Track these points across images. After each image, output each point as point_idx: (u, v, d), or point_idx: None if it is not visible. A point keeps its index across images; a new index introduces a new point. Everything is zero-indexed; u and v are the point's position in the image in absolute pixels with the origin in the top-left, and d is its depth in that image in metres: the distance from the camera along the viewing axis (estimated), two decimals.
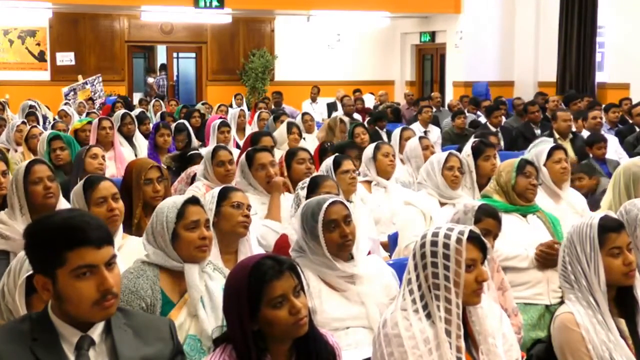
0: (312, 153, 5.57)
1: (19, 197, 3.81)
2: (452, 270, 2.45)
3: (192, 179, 5.23)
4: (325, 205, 3.11)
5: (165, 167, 6.09)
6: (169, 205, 2.92)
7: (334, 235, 3.10)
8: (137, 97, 16.66)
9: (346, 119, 9.43)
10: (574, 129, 9.05)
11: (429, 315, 2.48)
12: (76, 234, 2.02)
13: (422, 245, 2.51)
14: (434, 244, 2.49)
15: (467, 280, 2.48)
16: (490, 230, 3.42)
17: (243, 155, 4.62)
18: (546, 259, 3.93)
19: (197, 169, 5.19)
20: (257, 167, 4.51)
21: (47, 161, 4.66)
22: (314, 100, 14.74)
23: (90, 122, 8.10)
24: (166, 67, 18.66)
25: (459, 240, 2.47)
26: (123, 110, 8.49)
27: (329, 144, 6.56)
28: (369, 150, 5.40)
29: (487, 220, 3.42)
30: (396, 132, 6.86)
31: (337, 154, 4.89)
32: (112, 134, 6.87)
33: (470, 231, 2.52)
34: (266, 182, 4.47)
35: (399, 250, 4.41)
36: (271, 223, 4.27)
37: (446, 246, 2.47)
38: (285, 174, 4.93)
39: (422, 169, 4.84)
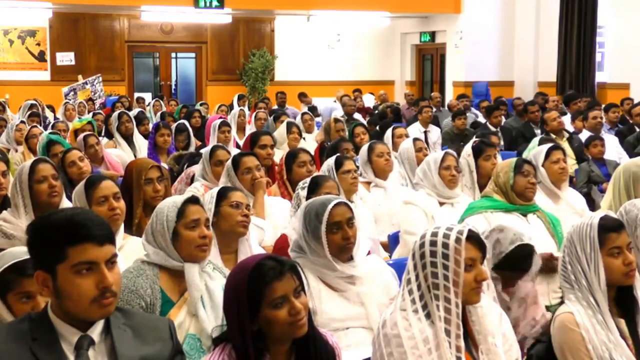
0: (312, 153, 5.55)
1: (23, 196, 3.81)
2: (452, 270, 2.45)
3: (192, 179, 5.23)
4: (330, 207, 3.07)
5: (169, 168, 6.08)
6: (169, 204, 2.92)
7: (336, 237, 3.07)
8: (136, 97, 16.65)
9: (342, 117, 9.40)
10: (571, 129, 9.05)
11: (428, 315, 2.47)
12: (79, 230, 2.03)
13: (421, 245, 2.51)
14: (433, 243, 2.49)
15: (467, 280, 2.48)
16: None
17: (229, 160, 4.65)
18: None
19: (196, 169, 5.18)
20: (243, 170, 4.55)
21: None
22: (307, 104, 14.76)
23: (90, 122, 8.12)
24: None
25: (458, 240, 2.47)
26: (120, 110, 8.49)
27: (327, 143, 6.55)
28: (363, 153, 5.29)
29: None
30: (388, 131, 6.88)
31: (338, 155, 4.86)
32: (100, 148, 6.59)
33: (469, 230, 2.51)
34: (251, 185, 4.50)
35: (404, 252, 4.36)
36: (255, 219, 4.29)
37: (445, 246, 2.47)
38: (285, 176, 4.93)
39: (418, 169, 4.81)
